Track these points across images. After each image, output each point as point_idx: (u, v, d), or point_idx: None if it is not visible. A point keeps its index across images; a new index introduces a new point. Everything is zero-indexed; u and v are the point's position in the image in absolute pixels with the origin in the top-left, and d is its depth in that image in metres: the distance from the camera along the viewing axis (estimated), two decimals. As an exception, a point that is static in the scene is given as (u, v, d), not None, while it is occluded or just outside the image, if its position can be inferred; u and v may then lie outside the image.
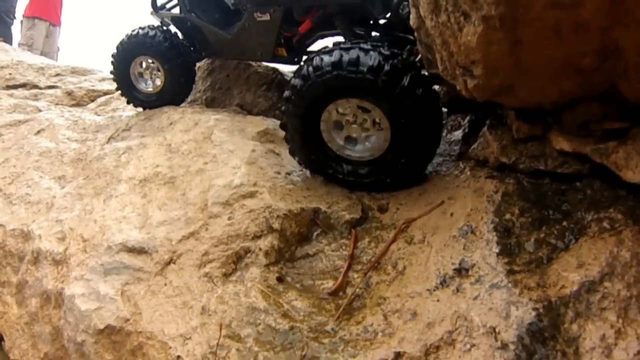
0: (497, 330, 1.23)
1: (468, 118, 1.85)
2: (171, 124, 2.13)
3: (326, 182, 1.78)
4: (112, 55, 2.46)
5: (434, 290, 1.35)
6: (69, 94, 2.82)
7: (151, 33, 2.33)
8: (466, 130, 1.81)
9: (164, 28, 2.41)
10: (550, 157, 1.47)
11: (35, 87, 2.92)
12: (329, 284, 1.50)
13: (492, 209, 1.45)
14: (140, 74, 2.47)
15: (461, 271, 1.37)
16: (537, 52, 1.26)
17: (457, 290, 1.33)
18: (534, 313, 1.22)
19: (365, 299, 1.42)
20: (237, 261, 1.56)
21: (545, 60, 1.28)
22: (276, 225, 1.59)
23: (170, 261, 1.59)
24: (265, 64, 2.49)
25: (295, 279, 1.55)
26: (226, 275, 1.54)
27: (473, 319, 1.26)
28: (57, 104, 2.75)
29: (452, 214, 1.52)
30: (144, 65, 2.45)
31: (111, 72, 2.52)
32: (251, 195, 1.64)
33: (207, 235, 1.59)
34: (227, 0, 2.55)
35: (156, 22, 2.62)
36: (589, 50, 1.22)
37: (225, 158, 1.76)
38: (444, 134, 1.87)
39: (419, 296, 1.35)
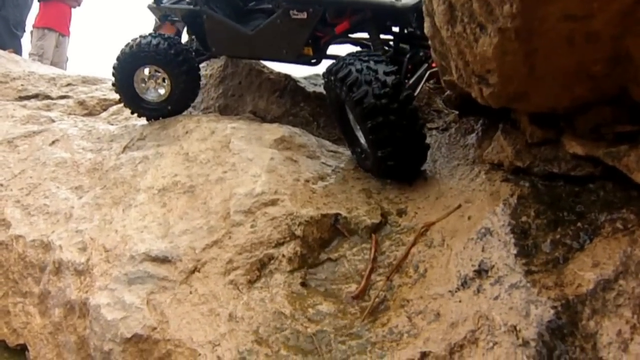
0: (518, 328, 1.28)
1: (481, 122, 1.90)
2: (187, 132, 2.16)
3: (344, 189, 1.82)
4: (114, 67, 2.40)
5: (456, 292, 1.40)
6: (81, 103, 2.84)
7: (154, 41, 2.28)
8: (479, 134, 1.86)
9: (168, 35, 2.38)
10: (564, 160, 1.52)
11: (48, 97, 2.95)
12: (352, 288, 1.55)
13: (508, 211, 1.50)
14: (144, 84, 2.42)
15: (481, 272, 1.42)
16: (551, 61, 1.31)
17: (478, 290, 1.38)
18: (552, 311, 1.27)
19: (388, 302, 1.46)
20: (261, 268, 1.60)
21: (558, 68, 1.34)
22: (298, 232, 1.63)
23: (194, 270, 1.63)
24: (277, 71, 2.53)
25: (319, 284, 1.59)
26: (251, 282, 1.58)
27: (494, 318, 1.30)
28: (69, 114, 2.77)
29: (469, 217, 1.57)
30: (147, 74, 2.39)
31: (113, 84, 2.45)
32: (273, 203, 1.68)
33: (230, 244, 1.63)
34: None
35: (153, 16, 2.61)
36: (601, 57, 1.27)
37: (245, 166, 1.80)
38: (458, 138, 1.92)
39: (441, 297, 1.40)
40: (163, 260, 1.69)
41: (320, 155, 2.00)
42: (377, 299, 1.47)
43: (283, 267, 1.59)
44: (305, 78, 2.59)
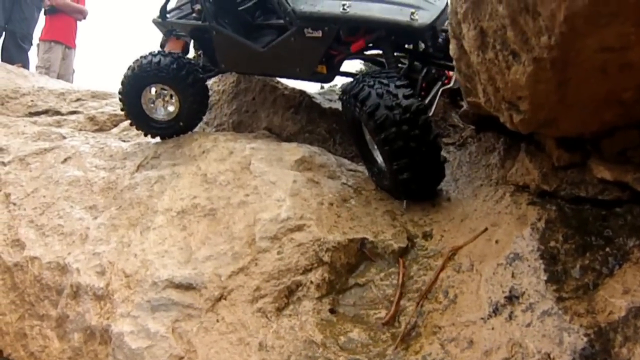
0: (551, 356, 1.28)
1: (502, 140, 1.90)
2: (204, 152, 2.14)
3: (368, 211, 1.82)
4: (120, 92, 2.35)
5: (488, 319, 1.40)
6: (91, 119, 2.80)
7: (164, 60, 2.24)
8: (501, 153, 1.86)
9: (169, 52, 2.33)
10: (591, 184, 1.52)
11: (57, 113, 2.90)
12: (382, 314, 1.54)
13: (537, 236, 1.51)
14: (153, 104, 2.36)
15: (512, 299, 1.43)
16: (583, 89, 1.31)
17: (510, 317, 1.38)
18: (585, 339, 1.28)
19: (419, 328, 1.47)
20: (289, 295, 1.59)
21: (589, 96, 1.34)
22: (326, 258, 1.63)
23: (220, 297, 1.62)
24: (291, 87, 2.51)
25: (348, 310, 1.59)
26: (279, 310, 1.57)
27: (528, 346, 1.31)
28: (80, 130, 2.73)
29: (497, 242, 1.57)
30: (154, 93, 2.34)
31: (122, 105, 2.39)
32: (299, 228, 1.67)
33: (257, 271, 1.62)
34: (245, 13, 2.44)
35: (158, 31, 2.57)
36: (632, 85, 1.27)
37: (268, 190, 1.79)
38: (479, 157, 1.92)
39: (473, 324, 1.40)
40: (187, 287, 1.68)
41: (340, 175, 1.99)
42: (408, 326, 1.47)
43: (311, 294, 1.59)
44: (320, 94, 2.58)
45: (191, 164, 2.11)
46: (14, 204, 2.41)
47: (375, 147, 1.86)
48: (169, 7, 2.55)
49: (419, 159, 1.68)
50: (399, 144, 1.66)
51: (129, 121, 2.56)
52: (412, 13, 1.93)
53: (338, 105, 2.28)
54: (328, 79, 2.23)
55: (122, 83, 2.33)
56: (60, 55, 4.37)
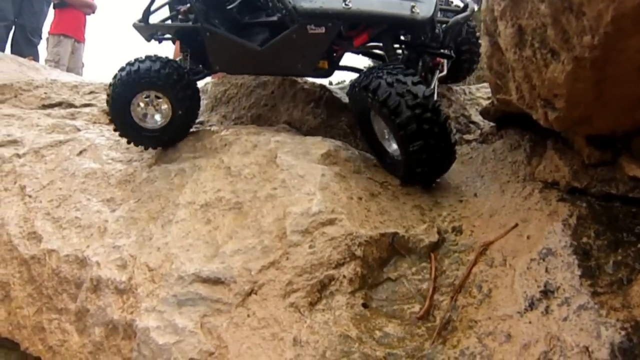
0: (590, 349, 1.30)
1: (527, 137, 1.92)
2: (226, 145, 2.11)
3: (397, 206, 1.82)
4: (109, 95, 2.22)
5: (524, 313, 1.41)
6: (106, 111, 2.74)
7: (154, 66, 2.14)
8: (527, 150, 1.88)
9: (165, 57, 2.22)
10: (621, 182, 1.55)
11: (71, 105, 2.84)
12: (415, 308, 1.55)
13: (569, 232, 1.53)
14: (143, 111, 2.25)
15: (547, 293, 1.44)
16: (619, 88, 1.33)
17: (546, 311, 1.40)
18: (622, 332, 1.30)
19: (455, 322, 1.47)
20: (321, 290, 1.59)
21: (625, 95, 1.36)
22: (359, 252, 1.62)
23: (251, 292, 1.60)
24: (311, 81, 2.50)
25: (380, 305, 1.59)
26: (312, 305, 1.56)
27: (566, 340, 1.33)
28: (94, 123, 2.68)
29: (528, 237, 1.59)
30: (145, 100, 2.22)
31: (110, 115, 2.27)
32: (330, 222, 1.66)
33: (289, 265, 1.61)
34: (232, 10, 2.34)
35: (139, 35, 2.43)
36: (669, 83, 1.30)
37: (296, 183, 1.78)
38: (505, 153, 1.94)
39: (510, 318, 1.41)
40: (215, 281, 1.66)
41: (365, 169, 1.99)
42: (443, 320, 1.47)
43: (344, 288, 1.59)
44: (340, 88, 2.57)
45: (213, 157, 2.09)
46: (30, 196, 2.37)
47: (386, 136, 1.92)
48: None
49: (432, 141, 1.75)
50: (412, 127, 1.72)
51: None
52: (413, 7, 1.97)
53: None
54: (328, 74, 2.22)
55: (114, 86, 2.20)
56: (70, 49, 4.39)
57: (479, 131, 2.29)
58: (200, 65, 2.38)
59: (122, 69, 2.19)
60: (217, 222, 1.83)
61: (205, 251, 1.75)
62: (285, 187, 1.78)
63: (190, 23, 2.27)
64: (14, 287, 2.19)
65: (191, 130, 2.36)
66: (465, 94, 2.46)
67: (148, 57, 2.20)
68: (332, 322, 1.53)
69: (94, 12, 4.63)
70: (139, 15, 2.39)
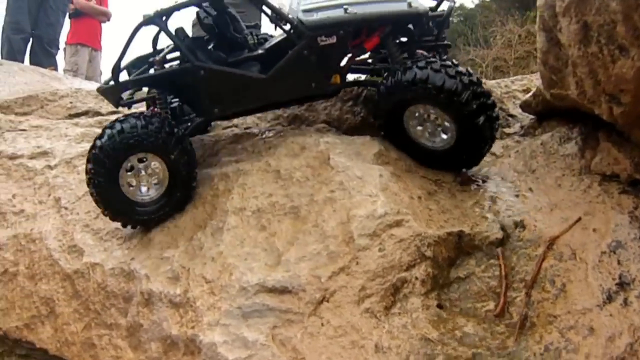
0: (673, 339, 1.33)
1: (577, 130, 1.94)
2: (270, 148, 2.07)
3: (456, 203, 1.82)
4: (91, 165, 1.88)
5: (604, 305, 1.43)
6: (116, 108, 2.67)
7: (141, 123, 1.87)
8: (579, 143, 1.90)
9: (151, 112, 2.02)
10: (683, 173, 1.58)
11: (98, 114, 2.76)
12: (490, 306, 1.56)
13: (637, 224, 1.55)
14: (133, 180, 1.95)
15: (623, 285, 1.46)
16: (686, 83, 1.35)
17: (625, 303, 1.42)
18: (702, 320, 1.34)
19: (533, 318, 1.49)
20: (394, 293, 1.58)
21: (691, 88, 1.38)
22: (429, 253, 1.62)
23: (322, 299, 1.58)
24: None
25: (454, 304, 1.59)
26: (387, 309, 1.55)
27: (648, 330, 1.35)
28: None
29: (594, 230, 1.61)
30: (135, 166, 1.94)
31: (91, 188, 1.92)
32: (397, 224, 1.65)
33: (360, 270, 1.60)
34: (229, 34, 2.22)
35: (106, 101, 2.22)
36: None
37: (356, 185, 1.76)
38: (555, 146, 1.95)
39: (590, 312, 1.43)
40: (282, 291, 1.63)
41: (415, 168, 1.98)
42: (521, 316, 1.49)
43: (417, 290, 1.58)
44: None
45: (257, 161, 2.05)
46: (66, 208, 2.30)
47: (429, 130, 1.90)
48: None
49: (490, 114, 1.82)
50: (473, 105, 1.77)
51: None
52: (409, 3, 1.98)
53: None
54: (338, 90, 2.14)
55: (95, 154, 1.87)
56: (87, 58, 4.42)
57: (519, 124, 2.30)
58: (190, 113, 2.18)
59: (103, 136, 1.89)
60: (274, 228, 1.80)
61: (266, 259, 1.72)
62: (344, 190, 1.76)
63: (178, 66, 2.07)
64: (58, 303, 2.13)
65: (229, 133, 2.31)
66: (500, 87, 2.47)
67: (131, 116, 1.94)
68: (410, 325, 1.52)
69: (108, 20, 4.67)
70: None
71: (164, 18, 2.06)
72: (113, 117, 2.78)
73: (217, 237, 1.88)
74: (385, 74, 1.96)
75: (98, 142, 1.91)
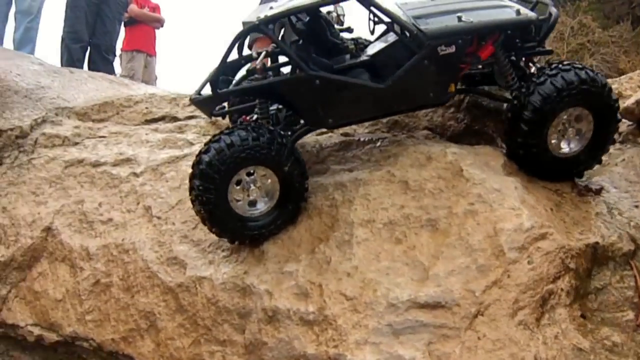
0: None
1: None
2: (390, 157, 2.02)
3: (584, 215, 1.86)
4: (199, 182, 1.80)
5: None
6: (213, 123, 2.53)
7: (251, 135, 1.79)
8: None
9: (257, 122, 1.94)
10: None
11: (175, 119, 2.60)
12: (629, 316, 1.63)
13: None
14: (247, 195, 1.88)
15: None
16: None
17: None
18: None
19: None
20: (543, 304, 1.62)
21: None
22: (572, 265, 1.66)
23: (477, 313, 1.60)
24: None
25: (594, 314, 1.65)
26: (538, 320, 1.59)
27: None
28: (204, 135, 2.47)
29: None
30: (240, 182, 1.86)
31: (201, 207, 1.83)
32: (542, 236, 1.67)
33: (512, 283, 1.62)
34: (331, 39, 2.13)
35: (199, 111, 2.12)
36: None
37: (495, 198, 1.76)
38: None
39: None
40: (434, 306, 1.63)
41: (533, 179, 1.99)
42: (666, 326, 1.56)
43: (563, 301, 1.63)
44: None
45: (376, 170, 2.00)
46: (158, 218, 2.18)
47: (570, 135, 1.91)
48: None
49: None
50: (612, 102, 1.87)
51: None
52: (518, 10, 1.98)
53: (501, 105, 2.26)
54: (447, 100, 2.11)
55: (201, 174, 1.79)
56: (143, 64, 4.67)
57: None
58: (300, 123, 2.09)
59: (215, 142, 1.80)
60: (411, 241, 1.78)
61: (411, 274, 1.71)
62: (484, 202, 1.76)
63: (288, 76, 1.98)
64: (160, 317, 2.04)
65: (331, 139, 2.24)
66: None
67: (241, 127, 1.84)
68: (561, 335, 1.57)
69: (162, 26, 4.84)
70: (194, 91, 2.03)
71: (270, 26, 1.93)
72: (191, 122, 2.66)
73: (346, 250, 1.83)
74: (516, 87, 1.95)
75: (205, 158, 1.81)
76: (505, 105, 2.07)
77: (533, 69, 2.03)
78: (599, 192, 1.97)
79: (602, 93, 1.84)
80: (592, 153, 1.92)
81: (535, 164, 1.93)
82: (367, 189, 1.96)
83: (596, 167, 2.09)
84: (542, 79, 1.84)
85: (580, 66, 1.86)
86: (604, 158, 2.14)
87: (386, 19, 1.99)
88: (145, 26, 4.75)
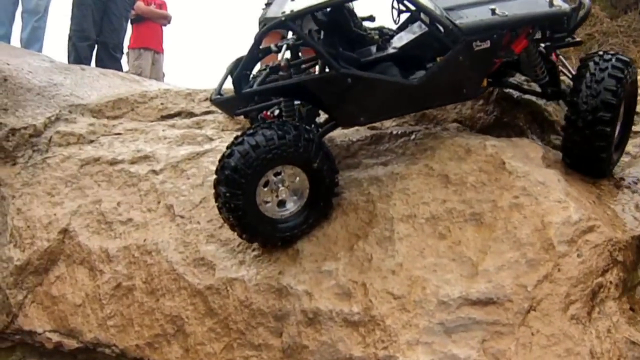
0: None
1: None
2: (425, 150, 1.96)
3: (622, 207, 1.85)
4: (225, 189, 1.70)
5: None
6: (232, 118, 2.42)
7: (277, 134, 1.70)
8: None
9: (287, 121, 1.84)
10: None
11: (191, 114, 2.48)
12: (675, 308, 1.63)
13: None
14: (271, 195, 1.79)
15: None
16: None
17: None
18: None
19: None
20: (593, 298, 1.60)
21: None
22: (620, 257, 1.65)
23: (530, 309, 1.56)
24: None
25: (641, 307, 1.65)
26: (589, 314, 1.57)
27: None
28: (223, 130, 2.36)
29: None
30: (267, 183, 1.77)
31: (229, 214, 1.75)
32: (590, 229, 1.65)
33: (562, 277, 1.59)
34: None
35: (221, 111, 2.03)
36: None
37: (540, 191, 1.72)
38: None
39: None
40: (486, 302, 1.58)
41: (570, 171, 1.97)
42: None
43: (612, 294, 1.61)
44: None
45: (413, 164, 1.94)
46: (182, 217, 2.07)
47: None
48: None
49: None
50: None
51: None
52: (551, 1, 1.92)
53: (531, 97, 2.23)
54: (480, 94, 2.10)
55: (227, 180, 1.68)
56: (150, 61, 4.67)
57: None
58: (329, 121, 2.00)
59: (240, 142, 1.70)
60: (456, 236, 1.73)
61: (460, 270, 1.66)
62: (529, 195, 1.72)
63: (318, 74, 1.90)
64: (188, 321, 1.95)
65: (359, 132, 2.16)
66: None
67: (271, 126, 1.73)
68: (613, 329, 1.56)
69: (169, 23, 4.81)
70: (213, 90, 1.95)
71: (297, 22, 1.82)
72: (208, 117, 2.54)
73: (387, 246, 1.77)
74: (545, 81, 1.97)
75: (230, 162, 1.69)
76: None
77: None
78: (636, 183, 1.97)
79: None
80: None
81: (598, 162, 1.92)
82: (405, 183, 1.90)
83: (630, 159, 2.09)
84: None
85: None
86: (636, 149, 2.14)
87: (414, 10, 1.92)
88: (152, 23, 4.75)
